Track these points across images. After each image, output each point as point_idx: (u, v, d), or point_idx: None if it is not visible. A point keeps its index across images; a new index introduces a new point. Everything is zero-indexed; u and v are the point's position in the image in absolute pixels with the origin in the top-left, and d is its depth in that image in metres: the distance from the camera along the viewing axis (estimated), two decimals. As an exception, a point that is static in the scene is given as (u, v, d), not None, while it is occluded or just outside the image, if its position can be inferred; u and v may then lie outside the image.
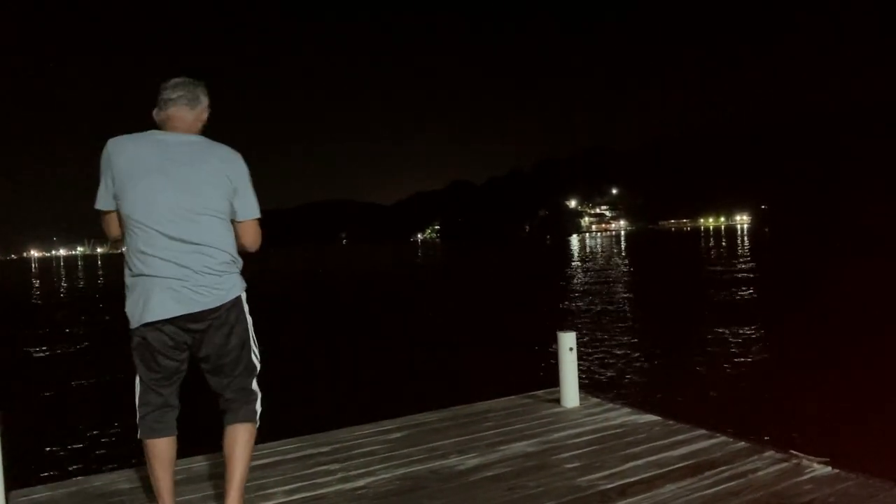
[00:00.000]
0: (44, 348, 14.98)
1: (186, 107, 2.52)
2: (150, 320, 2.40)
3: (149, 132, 2.47)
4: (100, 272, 70.25)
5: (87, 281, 52.08)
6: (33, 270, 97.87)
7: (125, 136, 2.44)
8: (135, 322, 2.44)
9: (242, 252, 2.61)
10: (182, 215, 2.38)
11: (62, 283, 49.78)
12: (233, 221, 2.55)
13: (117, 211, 2.45)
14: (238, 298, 2.55)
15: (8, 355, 14.32)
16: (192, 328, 2.45)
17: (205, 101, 2.61)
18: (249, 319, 2.62)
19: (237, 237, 2.57)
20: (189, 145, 2.46)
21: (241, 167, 2.54)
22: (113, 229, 2.54)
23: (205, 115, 2.62)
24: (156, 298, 2.38)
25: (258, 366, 2.66)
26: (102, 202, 2.48)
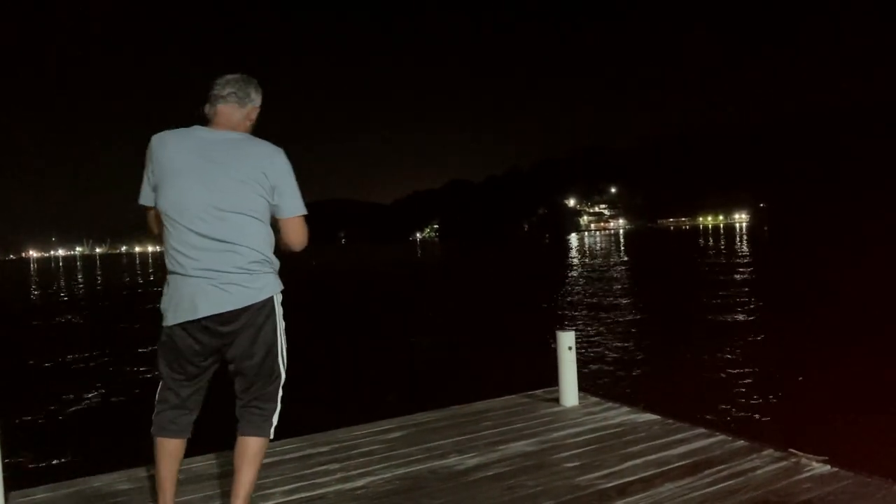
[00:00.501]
0: (43, 349, 14.96)
1: (236, 104, 2.50)
2: (181, 321, 2.38)
3: (192, 128, 2.45)
4: (98, 273, 70.18)
5: (85, 281, 52.05)
6: (32, 271, 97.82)
7: (169, 132, 2.43)
8: (167, 321, 2.43)
9: (288, 251, 2.54)
10: (213, 213, 2.35)
11: (61, 284, 49.76)
12: (278, 220, 2.49)
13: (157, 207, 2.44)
14: (270, 300, 2.48)
15: (7, 356, 14.30)
16: (221, 331, 2.41)
17: (257, 99, 2.57)
18: (281, 324, 2.54)
19: (282, 235, 2.51)
20: (227, 143, 2.42)
21: (281, 163, 2.46)
22: (154, 226, 2.53)
23: (255, 114, 2.58)
24: (187, 298, 2.37)
25: (283, 374, 2.59)
26: (143, 197, 2.48)
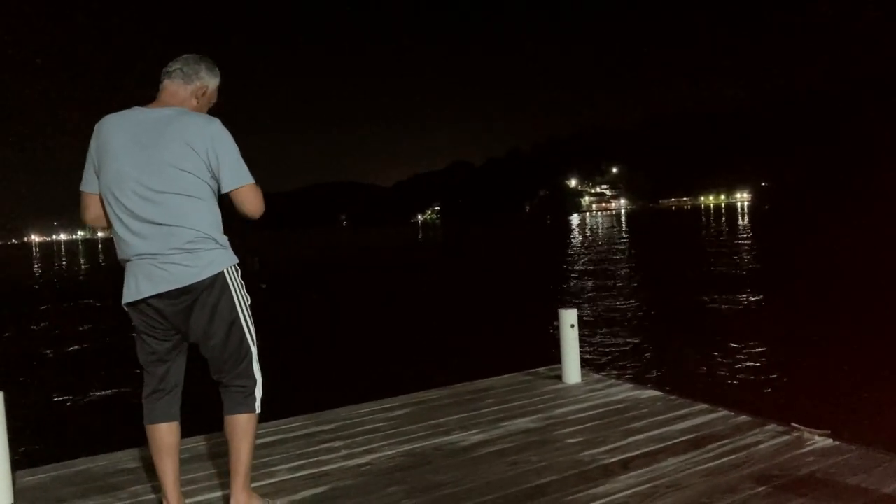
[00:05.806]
0: (47, 330, 15.03)
1: (180, 81, 2.46)
2: (128, 301, 2.39)
3: (130, 109, 2.40)
4: (101, 256, 70.25)
5: (89, 264, 52.13)
6: (35, 255, 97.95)
7: (109, 116, 2.40)
8: (122, 301, 2.42)
9: (245, 219, 2.46)
10: (146, 195, 2.31)
11: (63, 267, 49.83)
12: (227, 193, 2.40)
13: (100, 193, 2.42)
14: (219, 276, 2.38)
15: (12, 336, 14.37)
16: (168, 311, 2.37)
17: (208, 79, 2.52)
18: (239, 298, 2.45)
19: (236, 207, 2.42)
20: (158, 121, 2.34)
21: (214, 136, 2.35)
22: (89, 212, 2.46)
23: (203, 93, 2.51)
24: (132, 280, 2.37)
25: (253, 347, 2.50)
26: (84, 184, 2.45)
